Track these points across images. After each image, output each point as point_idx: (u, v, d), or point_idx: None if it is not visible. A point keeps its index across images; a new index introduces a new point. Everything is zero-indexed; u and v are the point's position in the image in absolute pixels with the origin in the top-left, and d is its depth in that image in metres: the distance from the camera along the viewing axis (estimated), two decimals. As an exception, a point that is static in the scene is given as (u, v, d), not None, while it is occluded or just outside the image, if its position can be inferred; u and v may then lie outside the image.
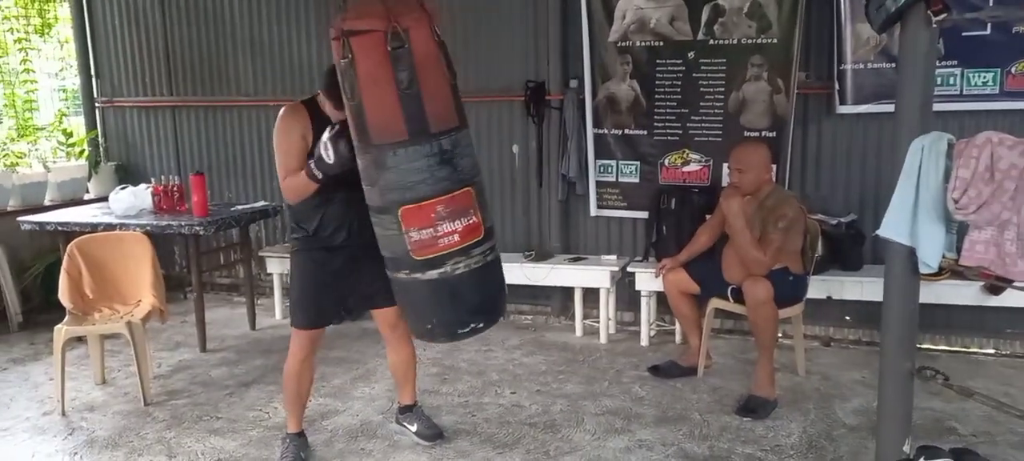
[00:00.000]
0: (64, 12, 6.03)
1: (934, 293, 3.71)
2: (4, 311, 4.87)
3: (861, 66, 4.04)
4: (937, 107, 2.31)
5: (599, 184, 4.67)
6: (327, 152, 2.62)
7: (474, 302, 2.45)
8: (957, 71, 3.89)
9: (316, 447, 3.14)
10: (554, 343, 4.43)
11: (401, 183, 2.27)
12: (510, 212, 4.93)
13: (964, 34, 3.82)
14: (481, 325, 2.52)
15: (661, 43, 4.37)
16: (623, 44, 4.44)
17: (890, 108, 2.63)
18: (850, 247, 4.03)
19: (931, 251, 2.17)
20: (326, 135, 2.64)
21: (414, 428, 3.20)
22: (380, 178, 2.31)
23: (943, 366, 2.64)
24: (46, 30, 6.17)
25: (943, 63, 3.81)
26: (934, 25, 2.13)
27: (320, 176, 2.67)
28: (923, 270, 2.23)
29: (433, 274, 2.35)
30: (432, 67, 2.26)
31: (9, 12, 5.88)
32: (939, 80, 3.79)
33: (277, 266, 4.99)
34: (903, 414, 2.39)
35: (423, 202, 2.29)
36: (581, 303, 4.53)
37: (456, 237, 2.34)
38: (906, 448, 2.38)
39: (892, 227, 2.23)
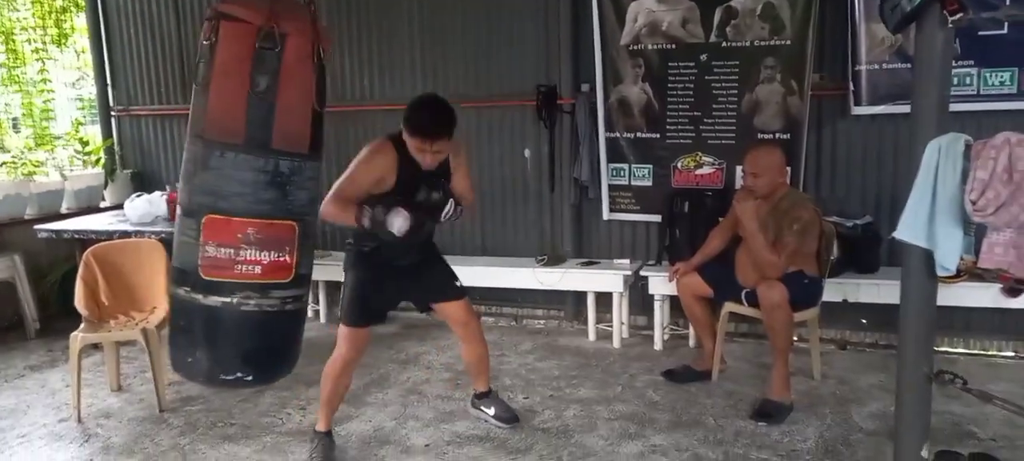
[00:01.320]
0: (81, 22, 6.11)
1: (952, 295, 3.66)
2: (22, 318, 4.92)
3: (876, 67, 4.00)
4: (953, 107, 2.28)
5: (611, 188, 4.65)
6: (395, 222, 2.63)
7: (250, 349, 2.11)
8: (974, 71, 3.84)
9: (329, 453, 3.14)
10: (567, 348, 4.41)
11: (216, 189, 2.01)
12: (522, 217, 4.92)
13: (980, 33, 3.77)
14: (249, 378, 2.18)
15: (673, 46, 4.35)
16: (635, 47, 4.43)
17: (906, 109, 2.60)
18: (866, 249, 3.99)
19: (949, 253, 2.14)
20: (405, 211, 2.64)
21: (492, 412, 3.32)
22: (197, 176, 2.04)
23: (962, 369, 2.61)
24: (63, 40, 6.25)
25: (959, 63, 3.77)
26: (950, 25, 2.10)
27: (367, 228, 2.68)
28: (941, 273, 2.20)
29: (215, 301, 2.04)
30: (298, 83, 2.04)
31: (27, 22, 5.96)
32: (955, 80, 3.75)
33: (291, 272, 5.02)
34: (921, 418, 2.37)
35: (232, 217, 2.01)
36: (594, 307, 4.51)
37: (257, 269, 2.03)
38: (924, 453, 2.35)
39: (909, 229, 2.20)
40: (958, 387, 2.37)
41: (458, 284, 3.15)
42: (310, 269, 2.20)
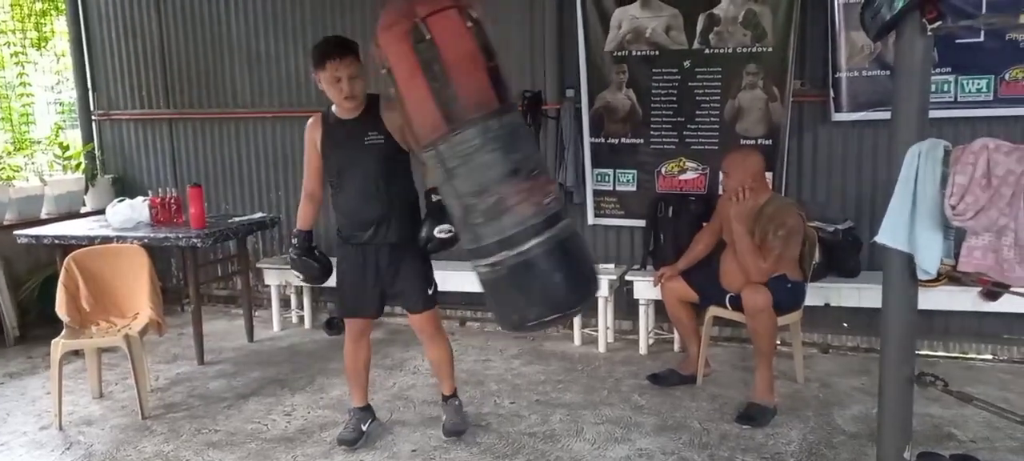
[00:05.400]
0: (61, 26, 6.04)
1: (931, 299, 3.70)
2: (1, 325, 4.85)
3: (856, 74, 4.06)
4: (931, 114, 2.32)
5: (596, 193, 4.67)
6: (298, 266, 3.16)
7: None
8: (951, 78, 3.91)
9: (314, 459, 3.13)
10: (553, 352, 4.42)
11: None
12: (508, 222, 4.92)
13: (958, 41, 3.84)
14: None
15: (657, 52, 4.39)
16: (619, 53, 4.46)
17: (885, 115, 2.65)
18: (847, 254, 4.04)
19: (929, 257, 2.18)
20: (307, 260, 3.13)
21: (443, 418, 3.32)
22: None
23: (941, 372, 2.65)
24: (42, 43, 6.17)
25: (937, 70, 3.83)
26: (929, 33, 2.14)
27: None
28: (921, 277, 2.24)
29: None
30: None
31: (5, 26, 5.89)
32: (933, 87, 3.81)
33: (275, 278, 4.99)
34: (903, 420, 2.40)
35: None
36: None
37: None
38: (907, 455, 2.38)
39: (890, 234, 2.24)
40: (939, 389, 2.41)
41: (428, 295, 3.08)
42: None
